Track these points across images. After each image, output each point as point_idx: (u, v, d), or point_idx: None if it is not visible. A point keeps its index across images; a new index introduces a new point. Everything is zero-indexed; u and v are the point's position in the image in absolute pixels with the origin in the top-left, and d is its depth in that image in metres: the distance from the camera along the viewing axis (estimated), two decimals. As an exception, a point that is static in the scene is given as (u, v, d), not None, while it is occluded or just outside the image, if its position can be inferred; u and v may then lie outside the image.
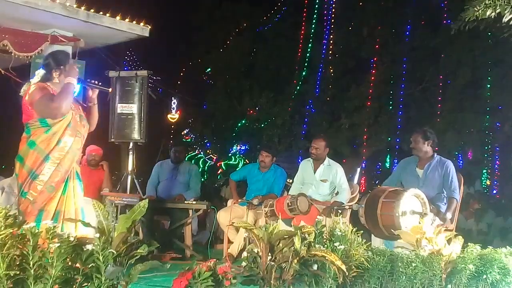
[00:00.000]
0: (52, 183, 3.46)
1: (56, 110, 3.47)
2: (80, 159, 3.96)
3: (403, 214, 4.27)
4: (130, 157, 6.43)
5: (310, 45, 17.37)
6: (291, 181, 6.47)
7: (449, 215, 4.81)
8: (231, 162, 17.13)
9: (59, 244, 2.18)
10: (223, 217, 6.09)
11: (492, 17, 4.96)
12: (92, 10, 5.95)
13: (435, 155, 5.11)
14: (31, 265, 2.14)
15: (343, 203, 5.51)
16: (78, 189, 3.62)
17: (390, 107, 15.73)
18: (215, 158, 17.76)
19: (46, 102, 3.48)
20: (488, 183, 14.58)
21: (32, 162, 3.49)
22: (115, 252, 2.26)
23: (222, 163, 17.34)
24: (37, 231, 2.19)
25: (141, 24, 6.38)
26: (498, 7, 4.81)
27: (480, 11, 4.90)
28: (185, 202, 6.16)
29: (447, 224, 4.76)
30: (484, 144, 14.80)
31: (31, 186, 3.46)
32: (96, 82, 3.79)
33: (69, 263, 2.25)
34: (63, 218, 3.42)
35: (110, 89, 3.82)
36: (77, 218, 3.40)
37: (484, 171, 14.70)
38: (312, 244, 2.94)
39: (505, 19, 4.90)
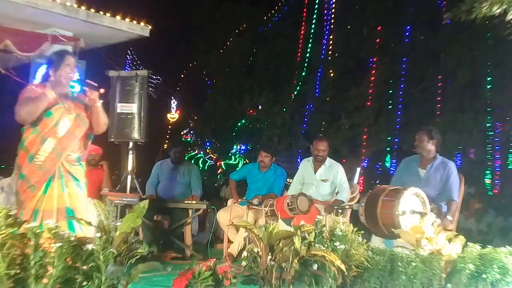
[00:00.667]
0: (33, 183, 3.42)
1: (16, 115, 3.46)
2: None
3: (403, 213, 4.27)
4: (130, 157, 6.42)
5: (310, 45, 17.38)
6: (291, 181, 6.47)
7: (449, 217, 4.82)
8: (231, 162, 17.14)
9: (60, 244, 2.17)
10: (223, 216, 6.09)
11: (496, 14, 4.94)
12: (92, 10, 5.96)
13: (438, 155, 5.11)
14: (32, 265, 2.14)
15: (344, 202, 5.52)
16: (69, 188, 3.52)
17: (390, 107, 15.73)
18: (215, 158, 17.76)
19: (16, 105, 3.47)
20: (490, 183, 14.58)
21: (20, 161, 3.50)
22: (115, 252, 2.26)
23: (222, 163, 17.35)
24: (38, 231, 2.19)
25: (141, 24, 6.38)
26: (504, 4, 4.79)
27: (487, 7, 4.88)
28: (185, 202, 6.16)
29: (447, 224, 4.77)
30: (485, 144, 14.80)
31: (20, 185, 3.46)
32: (92, 82, 3.61)
33: (70, 263, 2.24)
34: (43, 217, 3.33)
35: (102, 90, 3.68)
36: (59, 219, 3.32)
37: (488, 171, 14.70)
38: (312, 243, 2.94)
39: (508, 17, 4.88)
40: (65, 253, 2.19)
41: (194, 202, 6.17)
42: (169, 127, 17.81)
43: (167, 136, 17.57)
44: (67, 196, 3.48)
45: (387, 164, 16.10)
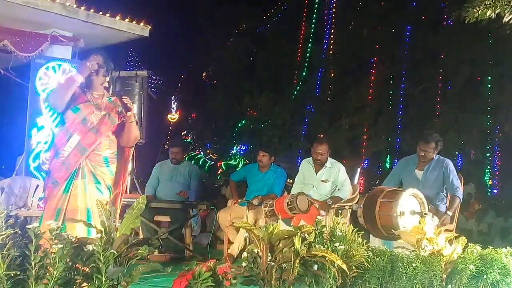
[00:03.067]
0: (56, 178, 3.40)
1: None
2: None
3: (401, 214, 4.27)
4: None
5: (310, 45, 17.40)
6: (291, 181, 6.45)
7: (449, 212, 4.82)
8: (231, 162, 17.13)
9: (62, 246, 2.16)
10: (223, 217, 6.08)
11: (492, 17, 4.95)
12: (92, 10, 5.95)
13: (435, 155, 5.11)
14: (32, 266, 2.13)
15: (342, 199, 5.51)
16: (89, 190, 3.46)
17: (390, 108, 15.73)
18: (215, 158, 17.76)
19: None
20: (490, 183, 14.57)
21: (50, 158, 3.52)
22: (116, 253, 2.25)
23: (222, 163, 17.34)
24: (39, 232, 2.18)
25: (141, 24, 6.37)
26: (497, 8, 4.80)
27: (479, 11, 4.89)
28: (186, 202, 6.15)
29: (447, 222, 4.77)
30: (484, 144, 14.79)
31: (45, 182, 3.47)
32: (127, 100, 3.64)
33: (70, 264, 2.24)
34: (67, 216, 3.33)
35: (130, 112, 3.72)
36: (82, 218, 3.26)
37: (486, 171, 14.69)
38: (312, 244, 2.93)
39: (505, 19, 4.89)
40: (67, 254, 2.18)
41: (193, 201, 6.16)
42: (169, 127, 17.81)
43: (167, 137, 17.56)
44: (88, 197, 3.42)
45: (387, 165, 16.10)
